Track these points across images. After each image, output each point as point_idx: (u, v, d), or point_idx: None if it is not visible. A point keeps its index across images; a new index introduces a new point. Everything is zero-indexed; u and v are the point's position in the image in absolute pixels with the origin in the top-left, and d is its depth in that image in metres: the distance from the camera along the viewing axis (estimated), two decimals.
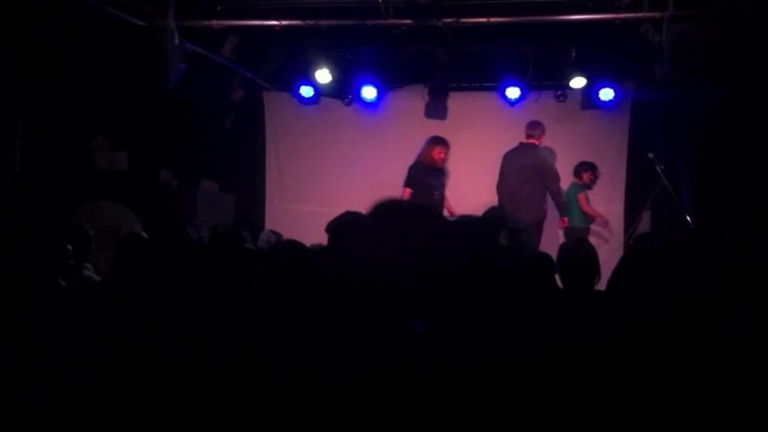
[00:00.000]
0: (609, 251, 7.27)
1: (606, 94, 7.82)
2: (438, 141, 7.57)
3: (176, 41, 6.39)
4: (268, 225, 8.45)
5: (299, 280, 2.83)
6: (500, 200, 7.54)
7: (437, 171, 7.61)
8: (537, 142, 7.65)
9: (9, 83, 5.73)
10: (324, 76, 7.65)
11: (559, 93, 8.13)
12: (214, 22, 6.78)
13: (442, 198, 7.62)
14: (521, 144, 7.69)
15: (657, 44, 6.32)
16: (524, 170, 7.48)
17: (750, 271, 3.00)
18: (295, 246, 3.11)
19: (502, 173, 7.66)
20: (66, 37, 6.08)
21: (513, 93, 8.03)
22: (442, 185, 7.63)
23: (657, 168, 7.34)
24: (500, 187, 7.65)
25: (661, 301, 2.57)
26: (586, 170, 7.77)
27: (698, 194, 7.49)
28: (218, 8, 6.71)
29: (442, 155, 7.56)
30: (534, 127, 7.66)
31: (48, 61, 6.12)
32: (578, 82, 7.68)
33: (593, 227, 7.89)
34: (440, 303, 1.84)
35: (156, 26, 6.39)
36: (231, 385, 2.12)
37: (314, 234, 3.99)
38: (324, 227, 3.46)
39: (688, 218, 7.10)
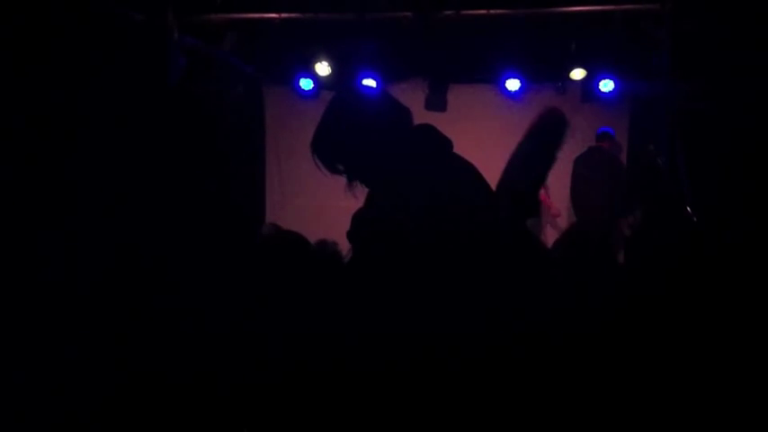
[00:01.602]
0: None
1: (606, 85, 7.83)
2: None
3: (175, 36, 6.39)
4: (269, 219, 8.47)
5: (300, 272, 2.84)
6: (574, 202, 7.73)
7: None
8: (604, 146, 7.78)
9: (9, 83, 5.70)
10: (323, 69, 7.64)
11: (559, 84, 8.12)
12: (213, 16, 6.78)
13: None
14: (589, 148, 7.79)
15: (657, 36, 6.32)
16: (595, 171, 7.61)
17: (745, 262, 3.00)
18: (295, 237, 3.11)
19: (573, 176, 7.78)
20: (65, 33, 6.05)
21: (512, 85, 8.04)
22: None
23: (657, 160, 7.37)
24: (573, 190, 7.79)
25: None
26: None
27: (698, 187, 7.49)
28: (218, 2, 6.71)
29: None
30: (603, 138, 7.81)
31: (46, 58, 6.09)
32: (578, 74, 7.68)
33: None
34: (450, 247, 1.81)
35: (156, 21, 6.38)
36: (233, 383, 2.13)
37: (315, 228, 3.99)
38: (324, 221, 3.47)
39: (688, 209, 7.11)
